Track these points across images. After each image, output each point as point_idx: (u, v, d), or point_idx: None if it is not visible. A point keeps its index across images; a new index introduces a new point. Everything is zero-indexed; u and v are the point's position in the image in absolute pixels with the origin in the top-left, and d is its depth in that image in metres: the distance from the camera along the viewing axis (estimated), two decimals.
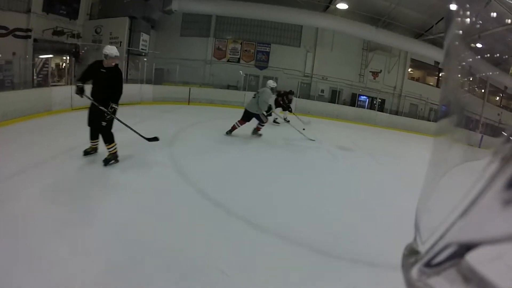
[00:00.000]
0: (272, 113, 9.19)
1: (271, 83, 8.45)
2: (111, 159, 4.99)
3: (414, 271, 0.70)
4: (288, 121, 9.75)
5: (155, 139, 5.51)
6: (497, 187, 0.52)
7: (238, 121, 8.34)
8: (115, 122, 5.04)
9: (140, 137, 5.39)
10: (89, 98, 4.73)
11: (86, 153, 5.24)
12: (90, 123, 4.99)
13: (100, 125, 4.81)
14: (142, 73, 11.54)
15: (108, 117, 4.78)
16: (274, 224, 3.62)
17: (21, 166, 4.56)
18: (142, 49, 11.97)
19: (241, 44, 15.71)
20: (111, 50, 4.60)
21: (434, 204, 0.73)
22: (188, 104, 12.10)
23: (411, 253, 0.74)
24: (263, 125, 8.53)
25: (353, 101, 18.35)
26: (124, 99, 8.46)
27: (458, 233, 0.60)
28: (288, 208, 4.25)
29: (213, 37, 15.75)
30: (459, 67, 0.72)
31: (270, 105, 8.60)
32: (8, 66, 7.69)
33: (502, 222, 0.52)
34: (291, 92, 10.99)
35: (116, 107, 4.84)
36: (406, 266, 0.74)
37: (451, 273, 0.65)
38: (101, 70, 4.69)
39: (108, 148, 4.98)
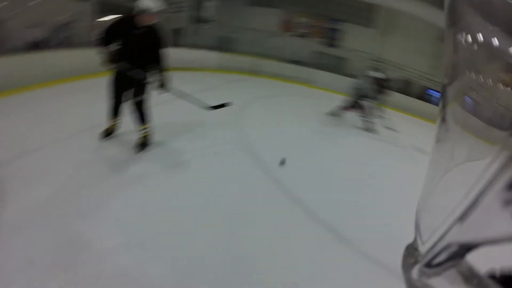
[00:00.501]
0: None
1: (377, 73, 7.12)
2: (146, 143, 3.90)
3: (415, 272, 0.71)
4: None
5: (223, 106, 4.42)
6: (497, 187, 0.53)
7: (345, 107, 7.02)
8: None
9: (202, 108, 4.29)
10: (125, 68, 3.59)
11: (108, 134, 4.08)
12: (117, 96, 3.84)
13: (136, 100, 3.72)
14: (205, 39, 10.72)
15: (158, 91, 3.74)
16: (362, 239, 2.94)
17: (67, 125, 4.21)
18: (206, 15, 10.81)
19: (309, 18, 14.42)
20: (150, 2, 3.48)
21: (435, 205, 0.73)
22: (252, 75, 11.17)
23: (411, 253, 0.75)
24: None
25: (422, 95, 14.76)
26: (184, 64, 7.28)
27: (458, 233, 0.61)
28: (378, 225, 3.29)
29: (280, 9, 14.33)
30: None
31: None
32: (68, 26, 7.60)
33: (502, 222, 0.53)
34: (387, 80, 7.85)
35: (166, 78, 3.71)
36: (406, 267, 0.74)
37: (451, 273, 0.66)
38: (134, 29, 3.51)
39: (142, 130, 3.85)
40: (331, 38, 15.28)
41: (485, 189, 0.56)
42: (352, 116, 7.25)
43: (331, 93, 10.97)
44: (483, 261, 0.66)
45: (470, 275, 0.64)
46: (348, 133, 6.92)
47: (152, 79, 3.69)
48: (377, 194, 4.05)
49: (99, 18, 8.57)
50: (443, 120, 0.75)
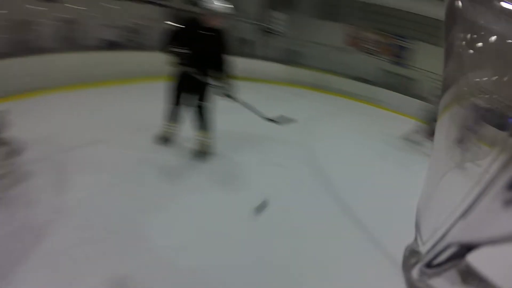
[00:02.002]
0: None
1: None
2: (206, 151, 3.79)
3: (415, 272, 0.71)
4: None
5: (285, 120, 4.09)
6: (497, 187, 0.52)
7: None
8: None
9: (264, 119, 3.97)
10: (190, 70, 3.48)
11: (165, 140, 3.92)
12: (178, 100, 3.67)
13: (199, 106, 3.62)
14: (271, 50, 10.57)
15: (222, 98, 3.90)
16: None
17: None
18: (274, 27, 11.02)
19: (377, 35, 14.11)
20: (216, 4, 3.33)
21: (435, 205, 0.73)
22: (317, 90, 11.08)
23: (412, 253, 0.75)
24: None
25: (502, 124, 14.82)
26: (249, 74, 7.35)
27: (459, 233, 0.61)
28: None
29: (348, 23, 14.16)
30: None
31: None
32: (140, 30, 7.91)
33: (503, 222, 0.53)
34: None
35: (232, 84, 3.62)
36: (406, 267, 0.74)
37: (452, 273, 0.65)
38: (200, 30, 3.43)
39: (203, 137, 3.74)
40: (400, 56, 13.92)
41: (485, 189, 0.55)
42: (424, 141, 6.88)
43: (398, 114, 10.47)
44: (483, 261, 0.66)
45: (470, 276, 0.63)
46: (421, 160, 6.54)
47: (216, 84, 3.55)
48: None
49: (169, 22, 8.99)
50: (443, 122, 0.74)
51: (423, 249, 0.70)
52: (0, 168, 2.94)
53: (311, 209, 3.12)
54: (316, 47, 12.49)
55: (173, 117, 3.70)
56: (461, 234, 0.60)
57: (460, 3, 0.70)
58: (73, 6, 6.54)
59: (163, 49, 3.33)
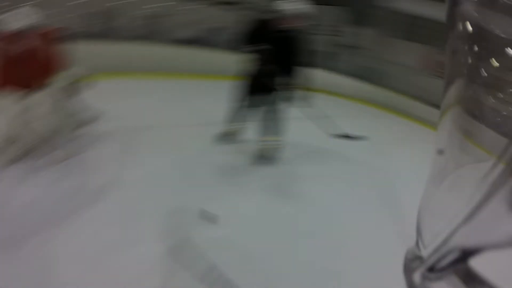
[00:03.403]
0: None
1: None
2: (267, 156, 3.57)
3: (417, 276, 0.69)
4: None
5: (354, 138, 3.93)
6: (503, 191, 0.51)
7: None
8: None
9: (330, 134, 3.84)
10: (263, 69, 3.30)
11: (228, 138, 3.91)
12: (246, 100, 3.58)
13: (268, 109, 3.44)
14: (345, 65, 10.09)
15: (291, 104, 3.44)
16: None
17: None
18: (353, 41, 11.02)
19: None
20: (292, 5, 3.18)
21: (437, 208, 0.72)
22: (391, 112, 9.93)
23: (413, 257, 0.73)
24: None
25: None
26: (320, 85, 7.37)
27: (462, 238, 0.59)
28: None
29: (433, 46, 13.45)
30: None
31: None
32: (217, 30, 8.65)
33: (509, 226, 0.52)
34: None
35: (303, 91, 3.43)
36: (408, 271, 0.73)
37: (454, 277, 0.64)
38: (276, 32, 3.24)
39: (268, 142, 3.56)
40: None
41: (490, 192, 0.54)
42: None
43: (479, 148, 9.45)
44: (484, 265, 0.64)
45: (472, 280, 0.61)
46: None
47: (288, 88, 3.38)
48: None
49: (244, 24, 9.26)
50: (445, 124, 0.71)
51: (424, 253, 0.69)
52: (72, 133, 3.39)
53: (370, 239, 2.67)
54: (394, 66, 11.67)
55: (239, 117, 3.69)
56: (465, 238, 0.58)
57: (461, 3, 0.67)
58: (159, 4, 7.17)
59: (239, 47, 3.31)
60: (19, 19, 2.74)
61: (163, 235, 2.24)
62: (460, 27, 0.66)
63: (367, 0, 10.23)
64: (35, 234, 2.15)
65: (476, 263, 0.62)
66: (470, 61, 0.67)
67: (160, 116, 4.48)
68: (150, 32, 7.32)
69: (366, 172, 4.11)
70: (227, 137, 3.86)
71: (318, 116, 3.61)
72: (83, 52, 3.29)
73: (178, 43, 7.35)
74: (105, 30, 6.79)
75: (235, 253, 2.27)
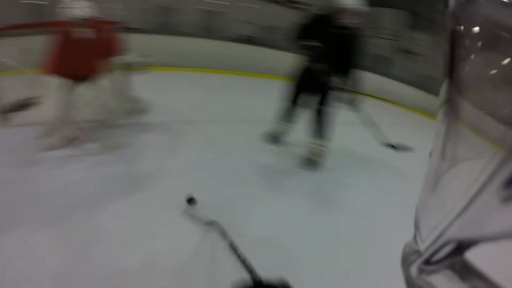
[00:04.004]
0: None
1: None
2: (315, 160, 3.39)
3: (414, 269, 0.71)
4: None
5: (405, 148, 3.70)
6: (495, 184, 0.52)
7: None
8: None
9: (381, 143, 3.64)
10: (317, 66, 3.07)
11: (275, 139, 3.77)
12: (296, 99, 3.40)
13: (319, 110, 3.23)
14: (404, 72, 9.66)
15: (344, 106, 3.26)
16: None
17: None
18: (413, 47, 10.71)
19: None
20: (351, 0, 2.96)
21: (434, 202, 0.72)
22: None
23: (411, 251, 0.74)
24: None
25: None
26: (374, 91, 6.69)
27: (457, 230, 0.61)
28: None
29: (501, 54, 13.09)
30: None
31: None
32: (276, 29, 8.45)
33: (500, 219, 0.52)
34: None
35: (356, 94, 3.23)
36: (405, 264, 0.74)
37: (450, 270, 0.65)
38: (333, 29, 3.04)
39: (316, 145, 3.35)
40: None
41: (483, 185, 0.55)
42: None
43: None
44: (482, 258, 0.63)
45: (469, 272, 0.62)
46: None
47: (341, 89, 3.18)
48: None
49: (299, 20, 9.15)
50: (444, 115, 0.70)
51: (422, 246, 0.70)
52: (123, 121, 3.62)
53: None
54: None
55: (288, 117, 3.54)
56: (459, 231, 0.60)
57: None
58: (215, 1, 7.38)
59: (292, 41, 3.14)
60: (78, 9, 2.89)
61: (196, 229, 2.29)
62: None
63: (430, 3, 9.68)
64: (77, 211, 2.33)
65: (472, 256, 0.62)
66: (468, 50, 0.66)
67: (208, 111, 4.66)
68: (207, 28, 7.59)
69: (414, 186, 3.80)
70: (274, 137, 3.78)
71: (367, 122, 3.40)
72: (138, 44, 3.57)
73: (234, 40, 7.54)
74: (162, 25, 7.17)
75: (274, 255, 2.18)
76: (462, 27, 0.64)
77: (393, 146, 3.58)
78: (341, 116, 3.38)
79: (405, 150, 3.70)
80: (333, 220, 2.73)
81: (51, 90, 2.99)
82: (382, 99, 8.47)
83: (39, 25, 4.66)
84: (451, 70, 0.69)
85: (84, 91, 3.32)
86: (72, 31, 2.99)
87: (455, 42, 0.66)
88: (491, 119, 0.62)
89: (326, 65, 3.01)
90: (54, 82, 3.01)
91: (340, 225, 2.68)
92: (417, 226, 0.75)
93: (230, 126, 4.30)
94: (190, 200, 2.50)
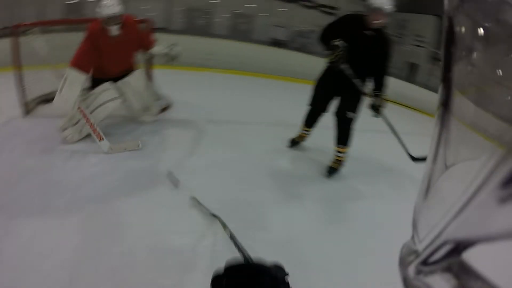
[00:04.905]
0: None
1: None
2: (336, 169, 3.29)
3: (411, 269, 0.70)
4: None
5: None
6: (492, 185, 0.52)
7: None
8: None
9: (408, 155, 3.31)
10: (345, 68, 2.91)
11: (294, 143, 3.74)
12: (321, 104, 3.28)
13: (344, 115, 3.09)
14: (425, 78, 9.27)
15: (374, 109, 3.06)
16: None
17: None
18: (437, 53, 10.37)
19: None
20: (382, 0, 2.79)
21: (432, 202, 0.72)
22: (488, 139, 9.28)
23: (409, 251, 0.74)
24: None
25: None
26: (408, 100, 6.72)
27: (454, 230, 0.61)
28: None
29: None
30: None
31: None
32: (306, 33, 8.88)
33: (498, 219, 0.52)
34: None
35: (383, 98, 3.02)
36: (403, 265, 0.74)
37: (447, 271, 0.64)
38: (362, 29, 2.88)
39: (339, 152, 3.25)
40: None
41: (481, 186, 0.55)
42: None
43: None
44: (479, 258, 0.62)
45: (466, 273, 0.62)
46: None
47: (369, 94, 3.04)
48: None
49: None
50: (443, 113, 0.70)
51: (420, 247, 0.70)
52: (149, 117, 3.71)
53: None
54: (505, 89, 10.39)
55: (311, 121, 3.46)
56: (456, 231, 0.60)
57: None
58: (247, 5, 7.45)
59: (319, 41, 3.03)
60: (108, 7, 3.00)
61: (210, 228, 2.30)
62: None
63: None
64: (93, 203, 2.40)
65: (469, 256, 0.61)
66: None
67: (233, 111, 4.70)
68: (237, 30, 7.67)
69: None
70: (296, 141, 3.72)
71: (390, 129, 3.18)
72: (167, 43, 3.66)
73: (264, 44, 7.57)
74: (191, 26, 7.30)
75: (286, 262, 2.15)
76: (455, 27, 0.64)
77: (420, 159, 3.30)
78: (362, 122, 3.28)
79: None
80: (348, 230, 2.66)
81: (75, 85, 3.05)
82: (406, 105, 8.26)
83: (72, 22, 4.90)
84: (447, 71, 0.68)
85: (112, 86, 3.43)
86: (103, 29, 3.09)
87: (449, 42, 0.66)
88: (488, 117, 0.61)
89: (352, 66, 2.89)
90: (80, 78, 3.10)
91: (356, 235, 2.61)
92: (414, 226, 0.75)
93: (253, 128, 4.32)
94: (170, 175, 2.74)
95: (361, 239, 2.57)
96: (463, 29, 0.64)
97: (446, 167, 0.70)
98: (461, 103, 0.68)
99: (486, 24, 0.60)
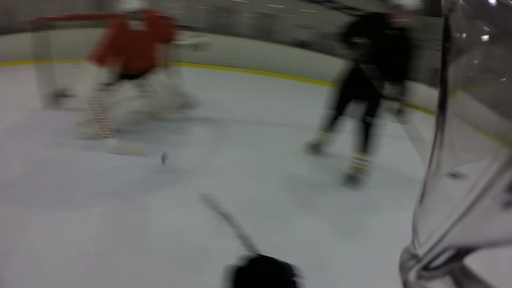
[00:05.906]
0: None
1: None
2: (357, 177, 3.06)
3: (412, 275, 0.69)
4: None
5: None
6: (497, 189, 0.51)
7: None
8: None
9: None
10: (366, 68, 2.77)
11: (314, 147, 3.57)
12: (341, 107, 3.11)
13: (365, 120, 2.92)
14: None
15: (392, 117, 2.91)
16: None
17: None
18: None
19: None
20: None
21: (432, 207, 0.71)
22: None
23: (409, 256, 0.73)
24: None
25: None
26: (432, 106, 6.76)
27: (457, 236, 0.60)
28: None
29: None
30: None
31: None
32: (331, 34, 8.97)
33: (502, 224, 0.51)
34: None
35: (407, 101, 2.83)
36: (404, 269, 0.72)
37: (448, 276, 0.63)
38: (384, 28, 2.71)
39: (361, 160, 3.02)
40: None
41: (484, 191, 0.54)
42: None
43: None
44: (481, 264, 0.62)
45: (468, 279, 0.61)
46: None
47: (392, 98, 2.82)
48: None
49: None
50: (439, 114, 0.68)
51: (420, 251, 0.68)
52: (173, 114, 3.75)
53: None
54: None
55: (331, 126, 3.26)
56: (458, 236, 0.59)
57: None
58: (272, 5, 7.42)
59: (341, 39, 2.87)
60: (130, 2, 2.97)
61: (226, 228, 2.25)
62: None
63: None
64: (112, 197, 2.40)
65: (471, 262, 0.60)
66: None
67: (256, 112, 4.67)
68: (262, 30, 7.68)
69: None
70: (316, 146, 3.55)
71: (415, 137, 2.91)
72: (190, 40, 3.67)
73: (289, 44, 7.54)
74: (217, 25, 7.36)
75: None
76: (451, 29, 0.63)
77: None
78: (386, 128, 3.08)
79: (457, 177, 3.29)
80: (363, 246, 2.46)
81: (90, 79, 3.06)
82: (432, 113, 7.96)
83: (95, 17, 5.00)
84: (443, 69, 0.67)
85: (134, 84, 3.47)
86: (125, 24, 3.07)
87: (445, 39, 0.65)
88: (490, 116, 0.60)
89: (375, 67, 2.70)
90: (95, 71, 3.07)
91: (375, 246, 2.42)
92: (415, 231, 0.74)
93: (276, 130, 4.25)
94: (163, 159, 2.84)
95: (381, 251, 2.41)
96: (458, 27, 0.63)
97: (440, 170, 0.69)
98: (458, 103, 0.66)
99: (481, 23, 0.59)
